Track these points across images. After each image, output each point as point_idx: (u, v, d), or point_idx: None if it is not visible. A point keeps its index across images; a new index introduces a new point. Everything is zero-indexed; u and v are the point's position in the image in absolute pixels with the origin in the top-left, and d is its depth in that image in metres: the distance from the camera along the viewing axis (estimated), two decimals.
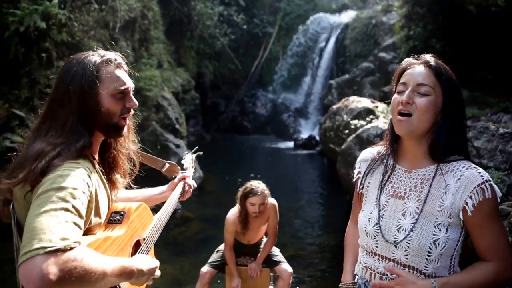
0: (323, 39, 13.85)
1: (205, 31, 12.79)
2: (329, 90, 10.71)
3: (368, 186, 1.52)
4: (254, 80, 14.91)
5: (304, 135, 12.17)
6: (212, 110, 13.92)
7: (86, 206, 1.15)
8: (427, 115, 1.32)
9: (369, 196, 1.50)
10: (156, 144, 8.37)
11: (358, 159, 1.60)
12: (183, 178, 1.85)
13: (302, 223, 6.25)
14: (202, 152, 2.11)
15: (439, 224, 1.30)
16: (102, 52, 1.36)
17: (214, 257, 3.35)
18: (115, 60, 1.35)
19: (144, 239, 1.47)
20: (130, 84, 1.38)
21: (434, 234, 1.29)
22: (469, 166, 1.31)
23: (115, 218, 1.36)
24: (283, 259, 3.30)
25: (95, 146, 1.35)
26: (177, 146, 8.58)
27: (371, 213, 1.44)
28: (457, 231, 1.32)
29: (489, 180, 1.27)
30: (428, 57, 1.39)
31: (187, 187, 1.85)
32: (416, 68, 1.37)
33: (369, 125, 5.60)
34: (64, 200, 1.06)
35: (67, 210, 1.05)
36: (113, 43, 8.24)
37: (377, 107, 6.72)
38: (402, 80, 1.39)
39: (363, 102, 6.92)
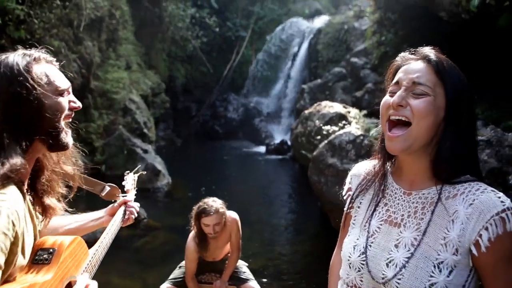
0: (296, 43, 13.82)
1: (176, 33, 12.52)
2: (302, 95, 10.64)
3: (359, 207, 1.24)
4: (226, 84, 14.72)
5: (276, 140, 12.06)
6: (183, 114, 13.63)
7: (8, 251, 0.93)
8: (427, 121, 1.04)
9: (358, 219, 1.23)
10: (123, 149, 8.04)
11: (349, 173, 1.34)
12: (124, 203, 1.60)
13: (273, 231, 6.08)
14: (145, 172, 1.91)
15: (441, 263, 1.01)
16: (24, 50, 1.14)
17: (176, 273, 3.11)
18: (45, 57, 1.15)
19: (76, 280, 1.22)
20: (68, 82, 1.18)
21: (431, 276, 1.00)
22: (485, 189, 1.02)
23: (42, 257, 1.09)
24: (250, 276, 3.11)
25: (28, 167, 1.10)
26: (145, 151, 8.26)
27: (357, 239, 1.17)
28: (463, 273, 1.01)
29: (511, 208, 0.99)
30: (428, 50, 1.13)
31: (128, 213, 1.61)
32: (412, 64, 1.11)
33: (341, 131, 5.50)
34: None
35: None
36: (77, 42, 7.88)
37: (349, 112, 6.65)
38: (395, 79, 1.12)
39: (335, 107, 6.84)
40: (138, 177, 1.86)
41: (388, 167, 1.21)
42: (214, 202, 2.91)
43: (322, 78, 10.97)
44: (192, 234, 3.02)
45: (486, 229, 0.97)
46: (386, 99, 1.11)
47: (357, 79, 9.69)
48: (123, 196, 1.64)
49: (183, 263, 3.15)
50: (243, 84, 14.68)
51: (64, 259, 1.13)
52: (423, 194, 1.10)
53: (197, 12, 13.19)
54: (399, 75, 1.11)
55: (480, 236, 0.97)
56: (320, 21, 13.68)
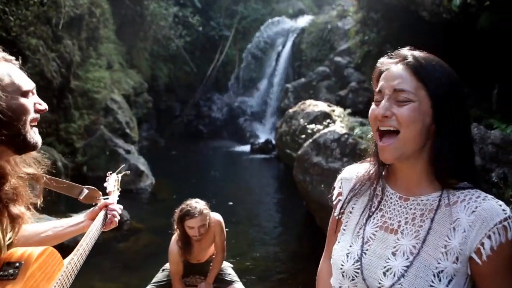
0: (280, 43, 13.81)
1: (159, 32, 12.36)
2: (286, 94, 10.64)
3: (351, 213, 1.18)
4: (210, 83, 14.62)
5: (261, 139, 12.03)
6: (167, 114, 13.48)
7: None
8: (414, 127, 0.99)
9: (349, 225, 1.16)
10: (105, 150, 7.89)
11: (339, 177, 1.27)
12: (105, 206, 1.52)
13: (258, 232, 6.04)
14: (129, 172, 1.83)
15: (441, 271, 0.98)
16: None
17: (159, 276, 3.04)
18: (3, 56, 1.03)
19: None
20: (32, 83, 1.07)
21: (431, 286, 0.97)
22: (486, 197, 1.00)
23: (7, 272, 1.01)
24: (235, 278, 3.06)
25: None
26: (128, 151, 8.12)
27: (350, 246, 1.11)
28: (461, 282, 0.99)
29: None
30: (406, 51, 1.07)
31: (109, 216, 1.51)
32: (392, 70, 1.05)
33: (326, 130, 5.49)
34: None
35: None
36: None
37: (333, 111, 6.66)
38: (378, 87, 1.07)
39: (319, 106, 6.84)
40: (122, 177, 1.78)
41: (382, 171, 1.17)
42: (198, 204, 2.83)
43: (306, 77, 10.98)
44: (174, 237, 2.95)
45: (489, 237, 0.96)
46: (373, 108, 1.07)
47: (341, 78, 9.74)
48: (104, 199, 1.55)
49: (166, 266, 3.08)
50: (227, 83, 14.61)
51: (32, 273, 1.03)
52: (422, 200, 1.07)
53: (179, 11, 13.05)
54: (381, 82, 1.07)
55: (482, 244, 0.96)
56: (303, 21, 13.69)
